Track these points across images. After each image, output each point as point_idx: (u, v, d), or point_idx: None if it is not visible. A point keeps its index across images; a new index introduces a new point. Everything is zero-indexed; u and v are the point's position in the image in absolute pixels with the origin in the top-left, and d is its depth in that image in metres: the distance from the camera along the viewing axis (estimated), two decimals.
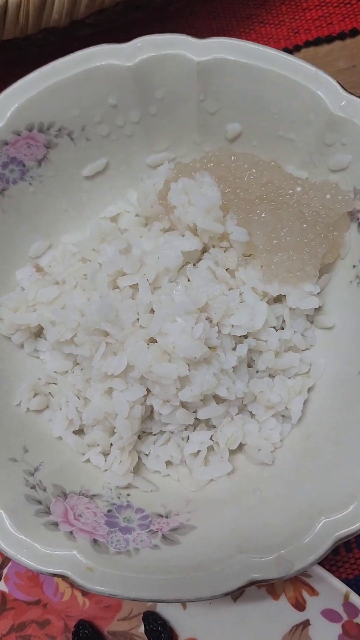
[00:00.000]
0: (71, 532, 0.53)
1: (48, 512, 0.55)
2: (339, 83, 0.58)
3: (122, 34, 0.73)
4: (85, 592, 0.66)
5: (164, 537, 0.54)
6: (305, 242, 0.60)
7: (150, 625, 0.63)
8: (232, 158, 0.62)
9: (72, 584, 0.63)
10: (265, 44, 0.76)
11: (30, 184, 0.65)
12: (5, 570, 0.66)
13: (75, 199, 0.69)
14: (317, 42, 0.78)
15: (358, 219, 0.61)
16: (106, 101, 0.63)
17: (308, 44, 0.78)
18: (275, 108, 0.61)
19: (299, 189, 0.61)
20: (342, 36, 0.77)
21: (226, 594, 0.50)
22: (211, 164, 0.62)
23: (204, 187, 0.60)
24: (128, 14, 0.76)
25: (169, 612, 0.64)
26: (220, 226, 0.59)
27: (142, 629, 0.64)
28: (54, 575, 0.51)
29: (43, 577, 0.66)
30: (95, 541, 0.53)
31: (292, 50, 0.78)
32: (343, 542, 0.65)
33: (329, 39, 0.78)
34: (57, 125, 0.63)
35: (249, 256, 0.62)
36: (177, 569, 0.51)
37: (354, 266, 0.62)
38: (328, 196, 0.60)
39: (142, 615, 0.64)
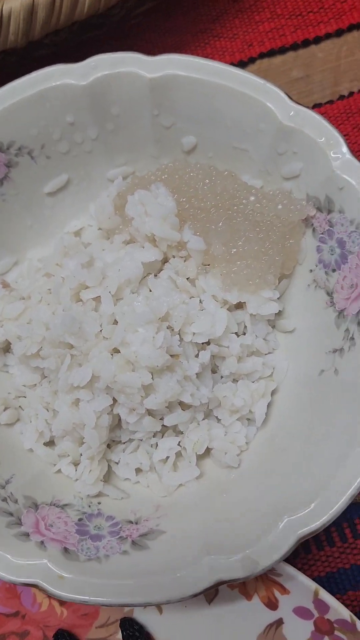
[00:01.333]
0: (42, 542, 0.54)
1: (19, 523, 0.56)
2: (286, 94, 0.60)
3: (80, 52, 0.74)
4: (62, 602, 0.66)
5: (133, 542, 0.56)
6: (262, 251, 0.61)
7: (128, 631, 0.64)
8: (187, 169, 0.64)
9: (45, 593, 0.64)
10: (220, 58, 0.79)
11: None
12: None
13: (39, 215, 0.70)
14: (271, 53, 0.80)
15: (312, 224, 0.63)
16: (64, 119, 0.65)
17: (262, 55, 0.80)
18: (228, 120, 0.63)
19: (252, 198, 0.62)
20: (294, 47, 0.80)
21: (195, 595, 0.51)
22: (165, 176, 0.63)
23: (160, 198, 0.62)
24: (85, 32, 0.77)
25: (145, 618, 0.65)
26: (176, 233, 0.61)
27: (119, 635, 0.65)
28: (26, 584, 0.52)
29: (21, 588, 0.67)
30: (66, 549, 0.54)
31: (246, 62, 0.80)
32: (314, 541, 0.67)
33: (282, 50, 0.80)
34: (17, 145, 0.65)
35: (207, 265, 0.63)
36: (146, 573, 0.52)
37: (311, 270, 0.63)
38: (280, 206, 0.62)
39: (119, 622, 0.65)
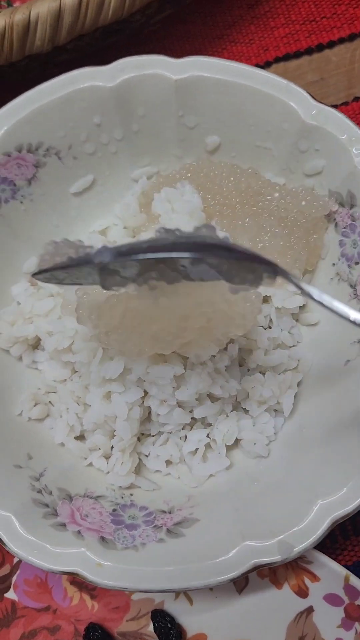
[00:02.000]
0: (79, 532, 0.55)
1: (55, 514, 0.57)
2: (309, 93, 0.62)
3: (100, 58, 0.76)
4: (93, 596, 0.67)
5: (168, 531, 0.57)
6: (288, 246, 0.63)
7: (159, 623, 0.64)
8: (211, 167, 0.65)
9: (84, 586, 0.65)
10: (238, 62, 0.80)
11: (21, 202, 0.68)
12: (13, 579, 0.67)
13: (65, 215, 0.71)
14: (286, 57, 0.82)
15: (334, 219, 0.64)
16: (91, 121, 0.67)
17: (278, 59, 0.82)
18: (251, 119, 0.65)
19: (276, 194, 0.64)
20: (309, 51, 0.82)
21: (232, 580, 0.52)
22: (190, 174, 0.65)
23: (185, 195, 0.64)
24: (106, 38, 0.79)
25: (176, 609, 0.65)
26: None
27: (151, 627, 0.65)
28: (65, 573, 0.53)
29: (52, 582, 0.67)
30: (102, 538, 0.55)
31: (263, 66, 0.82)
32: (340, 530, 0.68)
33: (297, 55, 0.82)
34: (45, 146, 0.66)
35: None
36: (184, 559, 0.53)
37: (334, 264, 0.65)
38: (303, 203, 0.64)
39: (150, 614, 0.66)
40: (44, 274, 0.49)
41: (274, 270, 0.45)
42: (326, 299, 0.45)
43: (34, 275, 0.50)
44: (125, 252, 0.45)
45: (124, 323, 0.54)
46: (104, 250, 0.45)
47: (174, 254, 0.44)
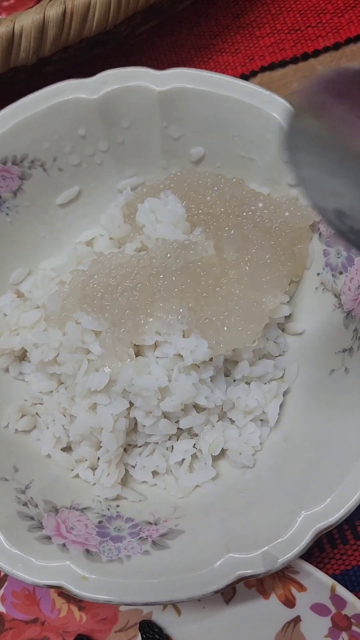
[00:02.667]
0: (64, 544, 0.55)
1: (40, 526, 0.57)
2: (291, 104, 0.62)
3: (86, 69, 0.77)
4: (81, 607, 0.67)
5: (154, 542, 0.57)
6: (275, 258, 0.63)
7: (147, 634, 0.64)
8: (195, 177, 0.66)
9: (72, 598, 0.65)
10: (223, 72, 0.81)
11: (7, 214, 0.68)
12: (1, 591, 0.67)
13: (51, 227, 0.72)
14: (272, 67, 0.82)
15: (318, 229, 0.65)
16: (75, 133, 0.67)
17: (263, 69, 0.82)
18: (235, 130, 0.65)
19: (260, 204, 0.64)
20: (294, 60, 0.82)
21: (217, 592, 0.52)
22: (173, 184, 0.65)
23: (169, 205, 0.64)
24: (91, 49, 0.80)
25: (164, 620, 0.65)
26: (187, 237, 0.63)
27: (139, 638, 0.65)
28: (50, 586, 0.53)
29: (40, 594, 0.67)
30: (87, 551, 0.55)
31: (248, 75, 0.82)
32: (328, 539, 0.68)
33: (282, 64, 0.82)
34: (30, 158, 0.67)
35: None
36: (168, 571, 0.53)
37: (318, 274, 0.65)
38: (287, 213, 0.64)
39: (138, 625, 0.66)
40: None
41: None
42: None
43: None
44: None
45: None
46: None
47: None
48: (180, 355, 0.60)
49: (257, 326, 0.61)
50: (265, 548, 0.53)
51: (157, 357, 0.60)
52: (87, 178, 0.70)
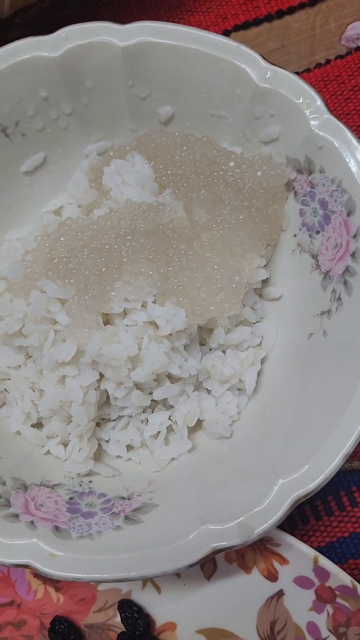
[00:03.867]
0: (32, 522, 0.53)
1: (8, 504, 0.54)
2: (261, 56, 0.59)
3: (52, 32, 0.74)
4: (58, 588, 0.65)
5: (126, 517, 0.54)
6: (249, 219, 0.60)
7: (126, 613, 0.62)
8: (162, 138, 0.63)
9: (49, 579, 0.63)
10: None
11: None
12: None
13: (17, 196, 0.69)
14: (246, 25, 0.79)
15: (294, 188, 0.62)
16: (37, 94, 0.64)
17: (237, 28, 0.79)
18: (204, 86, 0.62)
19: (232, 163, 0.61)
20: (269, 18, 0.79)
21: (191, 566, 0.50)
22: (140, 145, 0.62)
23: (136, 166, 0.61)
24: (56, 12, 0.76)
25: (144, 599, 0.63)
26: (156, 199, 0.60)
27: (118, 618, 0.63)
28: (17, 565, 0.51)
29: (14, 576, 0.65)
30: (56, 528, 0.53)
31: (222, 34, 0.78)
32: (312, 511, 0.66)
33: (256, 22, 0.79)
34: None
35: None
36: (141, 546, 0.51)
37: (295, 235, 0.62)
38: (259, 173, 0.61)
39: (117, 604, 0.63)
40: None
41: None
42: None
43: None
44: None
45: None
46: None
47: None
48: (150, 323, 0.58)
49: (238, 296, 0.58)
50: (241, 519, 0.50)
51: (127, 325, 0.58)
52: (53, 143, 0.67)
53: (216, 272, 0.58)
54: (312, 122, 0.58)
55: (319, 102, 0.58)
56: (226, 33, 0.79)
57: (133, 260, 0.56)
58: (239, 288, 0.58)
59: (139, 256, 0.56)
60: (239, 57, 0.60)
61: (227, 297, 0.56)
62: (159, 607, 0.63)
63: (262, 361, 0.62)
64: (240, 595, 0.61)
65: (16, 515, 0.53)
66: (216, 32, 0.78)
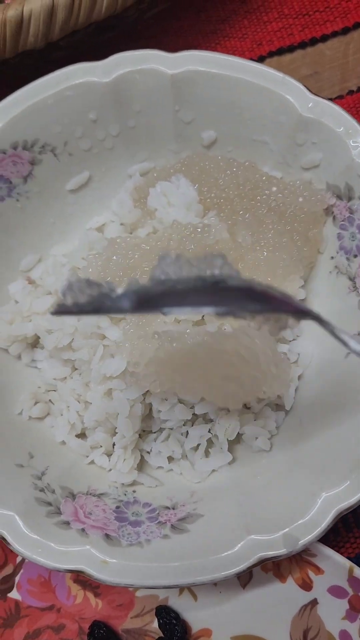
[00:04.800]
0: (83, 529, 0.55)
1: (59, 512, 0.56)
2: (305, 86, 0.62)
3: (94, 54, 0.76)
4: (97, 593, 0.67)
5: (172, 526, 0.56)
6: (291, 243, 0.63)
7: (164, 619, 0.64)
8: (206, 161, 0.65)
9: (88, 584, 0.65)
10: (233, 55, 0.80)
11: (17, 200, 0.68)
12: (17, 578, 0.66)
13: (61, 212, 0.71)
14: (280, 52, 0.82)
15: (332, 212, 0.64)
16: (86, 117, 0.66)
17: (271, 54, 0.82)
18: (248, 114, 0.65)
19: (274, 188, 0.64)
20: (302, 45, 0.82)
21: (238, 574, 0.52)
22: (184, 168, 0.65)
23: (181, 188, 0.64)
24: (99, 35, 0.79)
25: (180, 605, 0.65)
26: (201, 220, 0.62)
27: (155, 624, 0.65)
28: (71, 571, 0.53)
29: (55, 581, 0.67)
30: (107, 536, 0.55)
31: (256, 60, 0.82)
32: (342, 522, 0.68)
33: (290, 49, 0.82)
34: (41, 142, 0.66)
35: None
36: (189, 554, 0.53)
37: (332, 257, 0.65)
38: (301, 199, 0.64)
39: (154, 610, 0.65)
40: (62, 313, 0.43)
41: (312, 317, 0.44)
42: None
43: (53, 313, 0.43)
44: (146, 303, 0.41)
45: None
46: (125, 296, 0.41)
47: (204, 309, 0.41)
48: None
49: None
50: (287, 530, 0.53)
51: None
52: (98, 163, 0.70)
53: None
54: (353, 152, 0.61)
55: None
56: (261, 59, 0.82)
57: None
58: None
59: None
60: (284, 87, 0.62)
61: None
62: (195, 614, 0.65)
63: (299, 378, 0.65)
64: (274, 604, 0.63)
65: (67, 523, 0.56)
66: (251, 58, 0.81)
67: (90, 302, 0.41)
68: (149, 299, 0.41)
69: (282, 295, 0.42)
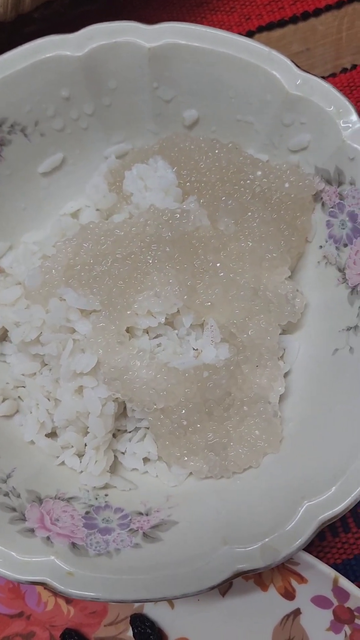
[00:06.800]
0: (48, 538, 0.51)
1: (23, 518, 0.53)
2: (293, 62, 0.58)
3: (71, 28, 0.71)
4: (69, 600, 0.63)
5: (145, 535, 0.53)
6: (278, 232, 0.59)
7: (139, 628, 0.61)
8: (187, 142, 0.61)
9: (53, 591, 0.61)
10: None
11: None
12: None
13: (34, 197, 0.67)
14: (270, 27, 0.77)
15: (321, 198, 0.60)
16: (58, 94, 0.62)
17: (261, 29, 0.77)
18: (232, 91, 0.60)
19: (259, 172, 0.60)
20: (294, 20, 0.77)
21: (212, 588, 0.48)
22: (162, 149, 0.61)
23: (159, 171, 0.59)
24: (77, 7, 0.74)
25: (157, 613, 0.62)
26: (179, 206, 0.58)
27: (130, 632, 0.62)
28: (33, 583, 0.49)
29: (25, 587, 0.64)
30: (73, 545, 0.51)
31: (245, 36, 0.76)
32: (329, 527, 0.65)
33: (281, 23, 0.77)
34: (9, 122, 0.62)
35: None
36: (161, 566, 0.50)
37: (321, 246, 0.61)
38: (287, 184, 0.59)
39: (129, 618, 0.62)
40: None
41: None
42: None
43: None
44: None
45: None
46: None
47: None
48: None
49: (281, 319, 0.58)
50: (266, 540, 0.49)
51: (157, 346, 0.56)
52: (72, 144, 0.65)
53: (251, 293, 0.56)
54: (344, 132, 0.56)
55: (351, 111, 0.56)
56: (250, 34, 0.77)
57: (159, 270, 0.54)
58: (285, 314, 0.58)
59: (166, 266, 0.54)
60: (271, 63, 0.58)
61: (267, 320, 0.54)
62: (172, 622, 0.62)
63: (285, 375, 0.61)
64: (255, 613, 0.60)
65: (32, 530, 0.52)
66: (239, 33, 0.76)
67: None
68: None
69: None
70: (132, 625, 0.62)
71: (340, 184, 0.58)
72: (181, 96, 0.62)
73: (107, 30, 0.60)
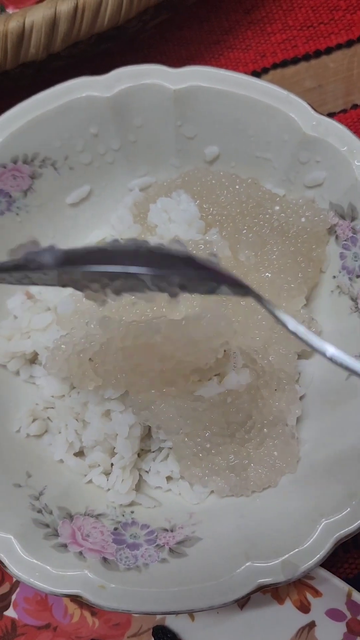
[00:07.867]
0: (80, 552, 0.55)
1: (56, 534, 0.56)
2: (309, 104, 0.61)
3: (95, 64, 0.76)
4: (94, 612, 0.66)
5: (171, 550, 0.56)
6: (295, 265, 0.62)
7: (161, 639, 0.64)
8: (208, 177, 0.64)
9: (85, 604, 0.64)
10: (234, 68, 0.80)
11: (17, 214, 0.67)
12: (13, 597, 0.66)
13: (61, 226, 0.70)
14: (284, 64, 0.81)
15: (335, 232, 0.64)
16: (87, 131, 0.65)
17: (275, 66, 0.81)
18: (251, 130, 0.64)
19: (277, 207, 0.63)
20: (306, 57, 0.81)
21: (236, 600, 0.52)
22: (185, 183, 0.64)
23: (182, 204, 0.63)
24: (100, 44, 0.78)
25: (178, 625, 0.65)
26: (202, 237, 0.62)
27: None
28: (67, 595, 0.52)
29: (52, 600, 0.66)
30: (105, 559, 0.54)
31: (260, 72, 0.81)
32: (341, 544, 0.68)
33: (294, 61, 0.81)
34: (41, 156, 0.65)
35: None
36: (187, 580, 0.53)
37: (334, 276, 0.64)
38: (303, 219, 0.63)
39: (151, 630, 0.65)
40: None
41: (251, 294, 0.41)
42: (301, 331, 0.42)
43: None
44: (72, 260, 0.39)
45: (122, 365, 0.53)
46: (48, 252, 0.39)
47: (131, 269, 0.38)
48: None
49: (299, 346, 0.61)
50: (286, 556, 0.52)
51: None
52: (99, 177, 0.69)
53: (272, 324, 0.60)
54: (357, 171, 0.60)
55: None
56: (265, 71, 0.81)
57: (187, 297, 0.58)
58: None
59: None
60: (288, 105, 0.62)
61: (286, 347, 0.57)
62: (193, 634, 0.65)
63: (300, 399, 0.64)
64: (272, 625, 0.63)
65: (65, 546, 0.55)
66: (255, 70, 0.80)
67: (13, 261, 0.40)
68: (76, 257, 0.39)
69: (223, 269, 0.40)
70: (154, 637, 0.64)
71: (353, 219, 0.62)
72: (203, 134, 0.66)
73: (134, 73, 0.63)
